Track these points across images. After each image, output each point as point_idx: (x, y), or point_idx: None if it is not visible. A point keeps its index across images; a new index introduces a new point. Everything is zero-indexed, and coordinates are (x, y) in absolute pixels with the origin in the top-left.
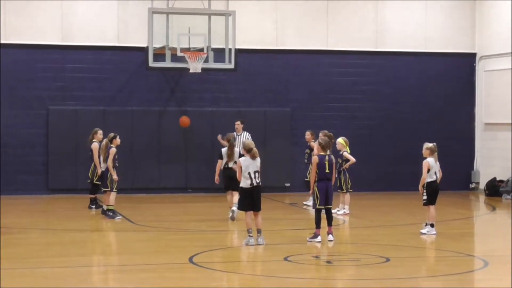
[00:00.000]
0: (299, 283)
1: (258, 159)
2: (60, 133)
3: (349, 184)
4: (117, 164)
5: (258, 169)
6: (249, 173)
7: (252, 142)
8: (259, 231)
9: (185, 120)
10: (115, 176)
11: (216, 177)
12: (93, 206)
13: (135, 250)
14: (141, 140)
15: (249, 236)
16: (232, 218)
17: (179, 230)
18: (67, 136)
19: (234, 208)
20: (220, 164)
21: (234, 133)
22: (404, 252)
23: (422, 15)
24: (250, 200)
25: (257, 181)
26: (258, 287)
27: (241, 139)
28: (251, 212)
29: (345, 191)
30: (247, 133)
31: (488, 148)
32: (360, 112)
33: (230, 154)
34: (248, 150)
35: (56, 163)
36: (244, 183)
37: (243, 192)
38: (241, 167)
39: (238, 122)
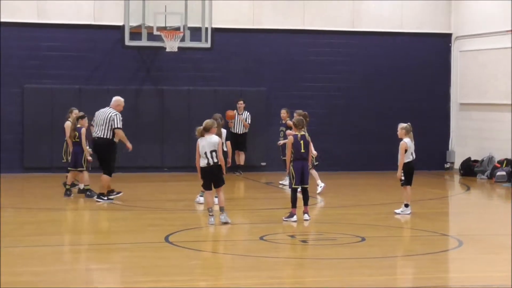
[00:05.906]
0: (275, 262)
1: (214, 138)
2: (36, 112)
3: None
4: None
5: (215, 148)
6: (205, 153)
7: (211, 121)
8: (221, 209)
9: (229, 113)
10: (89, 158)
11: None
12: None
13: (110, 229)
14: None
15: (210, 215)
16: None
17: (155, 209)
18: (42, 114)
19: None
20: None
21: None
22: (380, 232)
23: None
24: (210, 179)
25: (214, 160)
26: (234, 266)
27: (242, 119)
28: (212, 191)
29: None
30: (247, 113)
31: (463, 128)
32: (336, 91)
33: (219, 134)
34: (206, 129)
35: (31, 142)
36: (202, 162)
37: (202, 172)
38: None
39: (241, 102)
